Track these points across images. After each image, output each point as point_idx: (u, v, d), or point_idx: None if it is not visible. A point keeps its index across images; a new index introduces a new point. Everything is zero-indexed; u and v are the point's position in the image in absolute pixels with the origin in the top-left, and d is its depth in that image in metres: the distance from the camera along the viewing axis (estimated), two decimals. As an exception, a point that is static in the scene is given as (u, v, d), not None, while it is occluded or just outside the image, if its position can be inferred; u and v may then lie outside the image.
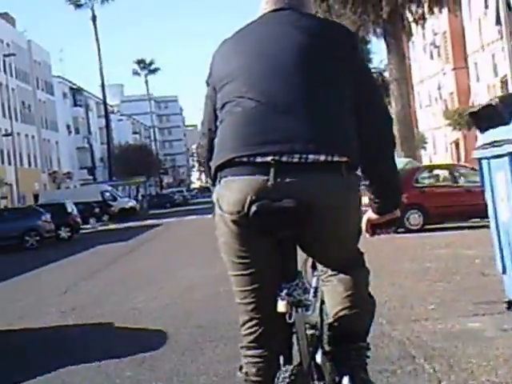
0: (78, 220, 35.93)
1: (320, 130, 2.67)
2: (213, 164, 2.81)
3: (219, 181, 2.77)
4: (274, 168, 2.62)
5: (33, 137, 64.96)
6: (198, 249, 17.81)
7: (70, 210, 35.38)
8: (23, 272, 17.62)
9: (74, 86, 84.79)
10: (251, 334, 2.84)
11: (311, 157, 2.64)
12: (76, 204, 51.01)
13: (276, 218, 2.63)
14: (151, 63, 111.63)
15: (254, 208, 2.62)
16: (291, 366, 2.69)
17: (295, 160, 2.64)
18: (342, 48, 2.83)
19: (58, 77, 79.26)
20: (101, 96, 74.00)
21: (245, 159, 2.67)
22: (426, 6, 28.20)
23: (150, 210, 67.73)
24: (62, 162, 74.32)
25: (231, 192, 2.69)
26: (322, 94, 2.72)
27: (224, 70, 2.87)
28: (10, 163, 55.39)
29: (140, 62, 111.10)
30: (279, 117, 2.68)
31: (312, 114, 2.69)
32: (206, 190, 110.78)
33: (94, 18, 70.77)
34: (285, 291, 2.65)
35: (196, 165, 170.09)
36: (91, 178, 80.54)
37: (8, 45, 59.86)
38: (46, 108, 70.86)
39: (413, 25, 29.17)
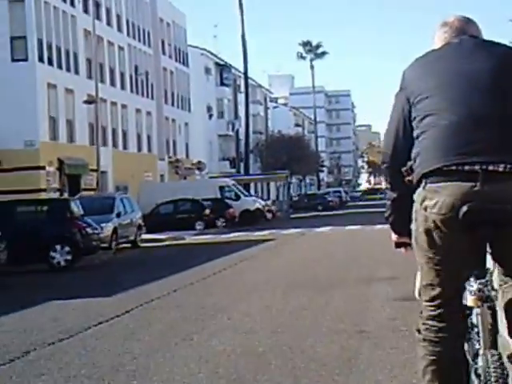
0: (91, 231, 19.63)
1: None
2: (419, 170, 3.26)
3: (424, 185, 3.24)
4: (481, 176, 3.09)
5: (148, 113, 49.97)
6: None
7: (76, 210, 19.52)
8: None
9: (222, 62, 70.54)
10: (433, 310, 3.30)
11: None
12: (178, 202, 36.70)
13: (484, 217, 3.07)
14: (318, 46, 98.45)
15: (464, 208, 3.07)
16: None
17: (500, 169, 3.11)
18: None
19: (202, 48, 65.27)
20: (262, 82, 58.83)
21: (453, 167, 3.14)
22: None
23: (294, 213, 53.19)
24: (191, 149, 59.24)
25: (441, 196, 3.16)
26: None
27: (421, 85, 3.35)
28: (105, 144, 40.97)
29: (306, 43, 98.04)
30: (482, 129, 3.16)
31: (510, 128, 3.19)
32: (372, 193, 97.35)
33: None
34: (476, 286, 3.12)
35: (365, 166, 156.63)
36: (234, 171, 65.88)
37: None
38: (174, 80, 56.03)
39: None
